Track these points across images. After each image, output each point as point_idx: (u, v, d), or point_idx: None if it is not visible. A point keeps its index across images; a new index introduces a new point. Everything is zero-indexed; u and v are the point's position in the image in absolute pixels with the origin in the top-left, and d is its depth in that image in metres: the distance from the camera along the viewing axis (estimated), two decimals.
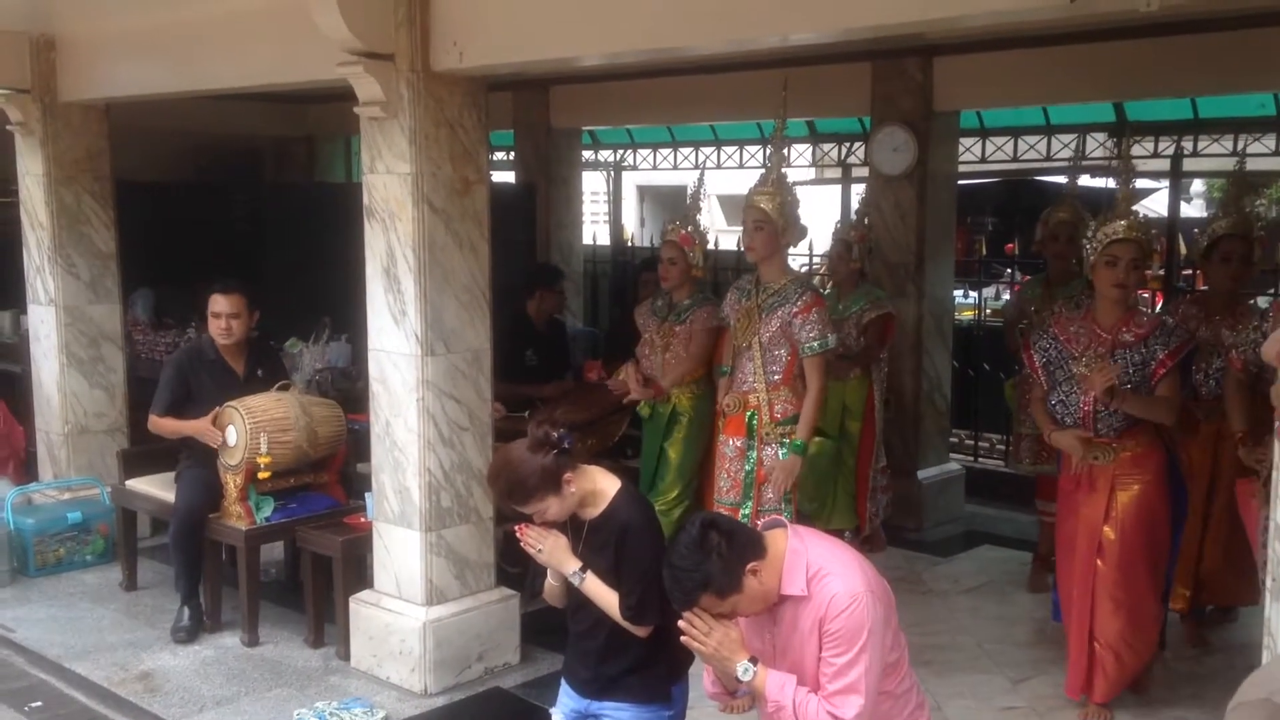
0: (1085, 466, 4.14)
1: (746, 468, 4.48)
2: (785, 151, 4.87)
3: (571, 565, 3.06)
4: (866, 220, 6.29)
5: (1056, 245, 5.62)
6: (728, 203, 17.00)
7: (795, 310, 4.43)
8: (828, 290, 5.87)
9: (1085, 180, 6.13)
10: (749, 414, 4.50)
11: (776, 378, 4.52)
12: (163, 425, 5.17)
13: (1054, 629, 4.85)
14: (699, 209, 5.41)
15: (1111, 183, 6.64)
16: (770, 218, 4.43)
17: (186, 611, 5.06)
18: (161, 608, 5.34)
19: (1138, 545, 4.10)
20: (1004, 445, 7.57)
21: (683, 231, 5.24)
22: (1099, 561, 4.13)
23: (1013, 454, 5.87)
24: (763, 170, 4.86)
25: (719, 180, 15.35)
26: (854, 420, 5.84)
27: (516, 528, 3.14)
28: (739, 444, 4.52)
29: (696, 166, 10.57)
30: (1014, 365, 6.05)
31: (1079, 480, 4.18)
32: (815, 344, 4.43)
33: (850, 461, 5.84)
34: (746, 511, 4.45)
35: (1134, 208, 4.28)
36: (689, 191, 5.56)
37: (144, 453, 5.70)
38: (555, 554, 3.08)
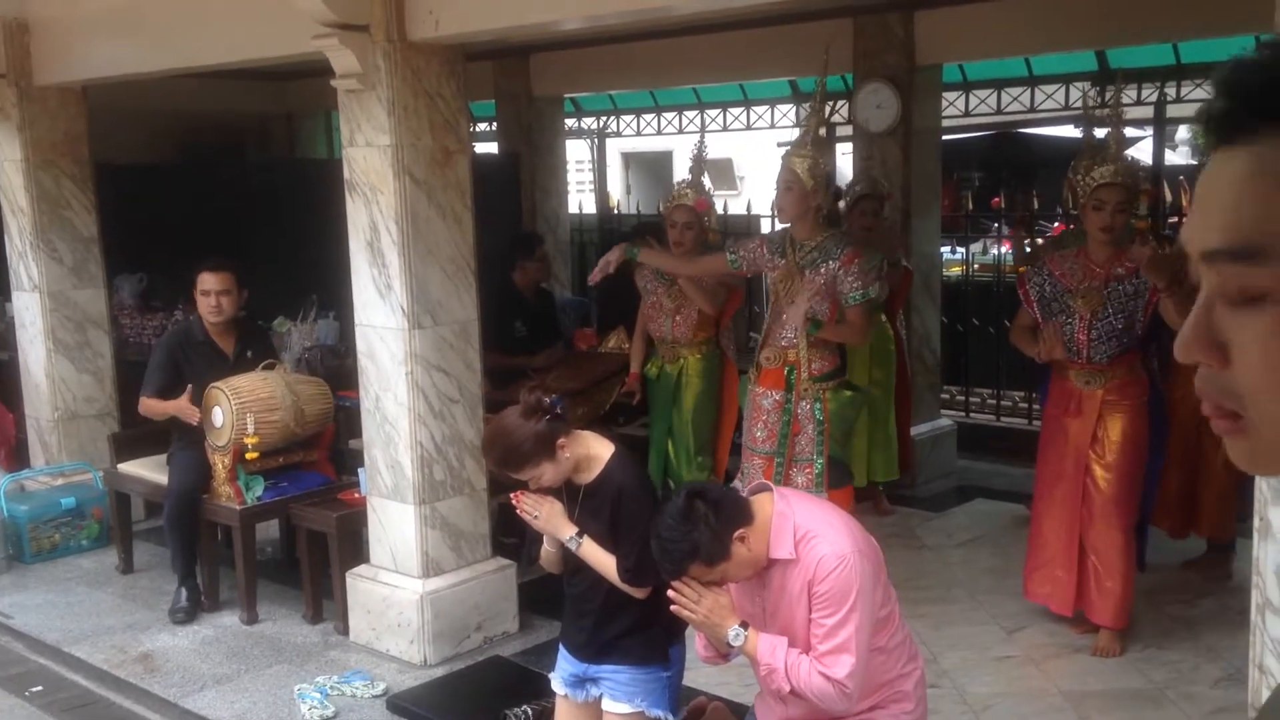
0: (1075, 393, 4.34)
1: (784, 419, 4.52)
2: (824, 112, 4.81)
3: (568, 530, 3.08)
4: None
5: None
6: (712, 167, 16.96)
7: (838, 264, 4.43)
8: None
9: (1100, 132, 6.06)
10: (788, 369, 4.52)
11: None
12: (149, 407, 5.15)
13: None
14: (702, 171, 5.36)
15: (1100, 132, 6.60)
16: (799, 179, 4.42)
17: (184, 592, 5.06)
18: (159, 589, 5.35)
19: (1124, 469, 4.31)
20: (994, 400, 7.59)
21: (699, 197, 5.19)
22: (1090, 484, 4.32)
23: None
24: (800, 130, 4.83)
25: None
26: (880, 367, 5.91)
27: (512, 495, 3.15)
28: (777, 397, 4.55)
29: (680, 131, 10.53)
30: (1003, 320, 6.05)
31: (1066, 406, 4.37)
32: (858, 294, 4.42)
33: (885, 412, 5.94)
34: (781, 460, 4.52)
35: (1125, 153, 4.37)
36: (691, 154, 5.47)
37: (135, 436, 5.69)
38: (551, 520, 3.09)
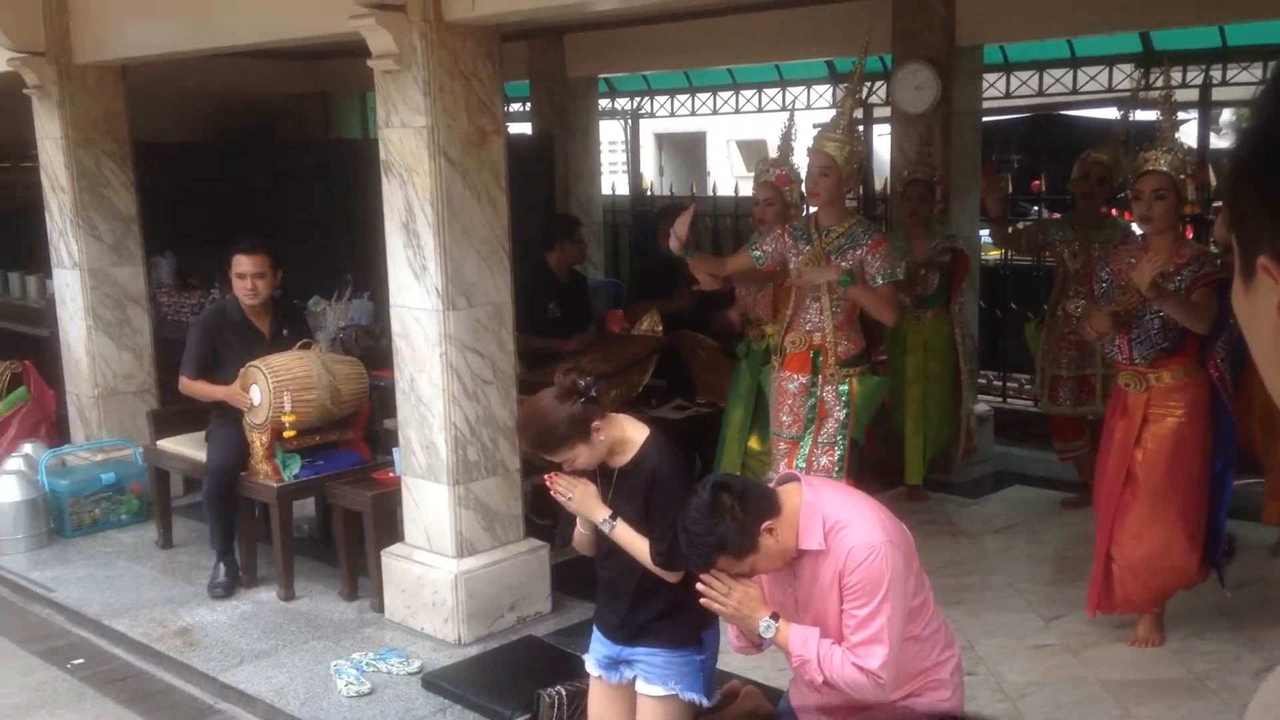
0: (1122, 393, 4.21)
1: (810, 403, 4.53)
2: (859, 96, 4.81)
3: (602, 513, 3.07)
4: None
5: (1086, 185, 5.49)
6: (746, 148, 16.86)
7: (865, 249, 4.45)
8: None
9: (1140, 115, 5.89)
10: (814, 353, 4.54)
11: (841, 318, 4.54)
12: (194, 389, 5.20)
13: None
14: (791, 149, 5.38)
15: (1140, 115, 6.48)
16: (837, 164, 4.42)
17: (222, 568, 5.12)
18: (197, 565, 5.41)
19: (1164, 477, 4.11)
20: (1032, 385, 7.50)
21: (779, 172, 5.25)
22: (1128, 487, 4.16)
23: (1049, 397, 5.81)
24: (834, 113, 4.78)
25: (737, 125, 15.21)
26: (936, 360, 5.89)
27: (546, 477, 3.15)
28: (803, 381, 4.57)
29: (714, 112, 10.46)
30: (1041, 306, 5.98)
31: (1116, 406, 4.26)
32: (886, 275, 4.46)
33: (944, 407, 5.93)
34: (806, 445, 4.51)
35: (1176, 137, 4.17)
36: (781, 131, 5.50)
37: (174, 413, 5.75)
38: (585, 502, 3.08)
